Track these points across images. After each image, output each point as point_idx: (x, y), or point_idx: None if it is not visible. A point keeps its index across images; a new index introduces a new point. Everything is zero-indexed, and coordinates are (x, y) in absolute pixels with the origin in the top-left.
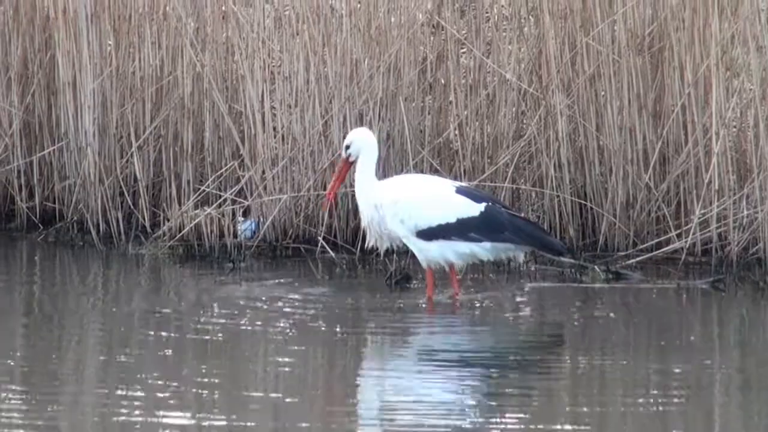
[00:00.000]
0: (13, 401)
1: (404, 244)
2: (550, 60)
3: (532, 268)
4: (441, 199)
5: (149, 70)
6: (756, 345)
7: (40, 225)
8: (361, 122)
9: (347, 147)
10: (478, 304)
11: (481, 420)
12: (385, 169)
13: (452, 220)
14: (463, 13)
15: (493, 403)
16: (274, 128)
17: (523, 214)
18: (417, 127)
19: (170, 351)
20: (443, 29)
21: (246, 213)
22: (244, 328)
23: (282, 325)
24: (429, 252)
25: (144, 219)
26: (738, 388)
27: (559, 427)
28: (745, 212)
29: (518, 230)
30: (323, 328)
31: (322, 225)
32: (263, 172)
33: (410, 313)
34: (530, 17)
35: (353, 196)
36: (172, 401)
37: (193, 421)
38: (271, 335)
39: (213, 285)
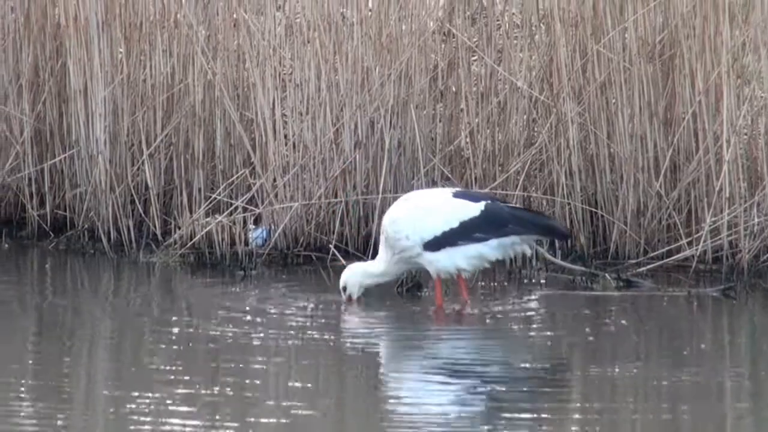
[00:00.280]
0: (23, 409)
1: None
2: (561, 68)
3: (543, 277)
4: (440, 206)
5: (160, 78)
6: (767, 353)
7: (50, 233)
8: (372, 130)
9: (344, 290)
10: (488, 313)
11: (491, 429)
12: (396, 177)
13: (455, 224)
14: (474, 21)
15: (503, 413)
16: (286, 136)
17: (521, 206)
18: (428, 135)
19: (181, 359)
20: (454, 37)
21: (257, 221)
22: (254, 335)
23: (293, 333)
24: (439, 262)
25: (155, 227)
26: (749, 397)
27: None
28: (756, 220)
29: (521, 221)
30: (333, 337)
31: (334, 233)
32: (274, 180)
33: (421, 323)
34: (541, 25)
35: (365, 203)
36: (182, 408)
37: (202, 431)
38: (282, 343)
39: (224, 293)
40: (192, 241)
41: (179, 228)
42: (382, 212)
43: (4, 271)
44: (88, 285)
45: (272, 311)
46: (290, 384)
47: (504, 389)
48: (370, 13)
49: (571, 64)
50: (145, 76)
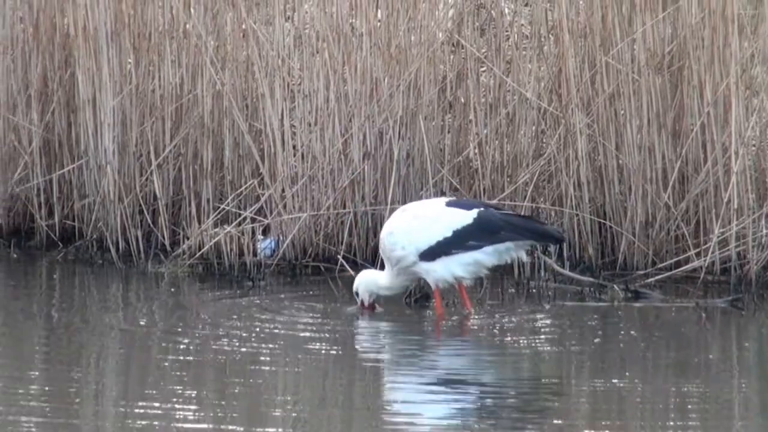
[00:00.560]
0: (32, 419)
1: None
2: (569, 79)
3: (551, 288)
4: (433, 216)
5: (169, 89)
6: None
7: (59, 243)
8: (381, 140)
9: (357, 294)
10: (496, 324)
11: None
12: (404, 188)
13: (449, 233)
14: (483, 32)
15: (508, 425)
16: (294, 146)
17: (514, 212)
18: (437, 146)
19: (189, 369)
20: (463, 48)
21: (265, 231)
22: (262, 346)
23: (300, 344)
24: (436, 272)
25: (163, 237)
26: (757, 408)
27: None
28: (765, 231)
29: (514, 227)
30: (341, 348)
31: (342, 244)
32: (283, 191)
33: (428, 335)
34: (550, 36)
35: (373, 214)
36: (190, 418)
37: None
38: (290, 354)
39: (232, 303)
40: (200, 252)
41: (188, 238)
42: None
43: (12, 281)
44: (97, 295)
45: (280, 322)
46: (297, 395)
47: (509, 401)
48: (379, 24)
49: (580, 76)
50: (153, 87)
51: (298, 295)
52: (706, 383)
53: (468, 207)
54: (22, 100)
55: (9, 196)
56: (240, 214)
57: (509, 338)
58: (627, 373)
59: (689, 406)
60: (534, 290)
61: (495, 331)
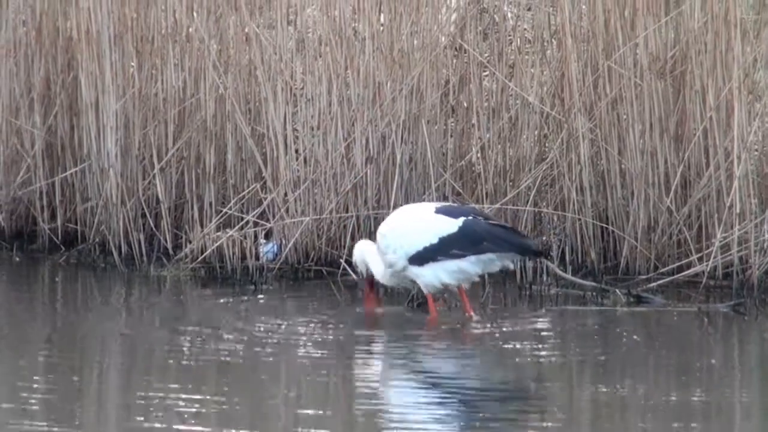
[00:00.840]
0: (34, 423)
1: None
2: (572, 83)
3: (553, 292)
4: (421, 222)
5: (172, 92)
6: None
7: (61, 246)
8: (383, 145)
9: (356, 265)
10: (498, 329)
11: None
12: (407, 192)
13: (435, 240)
14: (485, 36)
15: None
16: (297, 150)
17: (502, 222)
18: (439, 150)
19: (191, 373)
20: (466, 52)
21: (268, 235)
22: (264, 350)
23: (302, 348)
24: (425, 277)
25: (166, 241)
26: (759, 413)
27: None
28: (767, 236)
29: (495, 238)
30: (342, 353)
31: (345, 248)
32: (285, 195)
33: (430, 340)
34: (553, 40)
35: (376, 218)
36: (192, 421)
37: None
38: (291, 358)
39: (234, 307)
40: (203, 255)
41: (190, 242)
42: None
43: (15, 285)
44: (99, 298)
45: (282, 326)
46: (299, 399)
47: (509, 407)
48: (381, 28)
49: (583, 80)
50: (156, 90)
51: (301, 299)
52: (708, 388)
53: (455, 215)
54: (25, 103)
55: (11, 199)
56: (242, 218)
57: (510, 343)
58: (629, 378)
59: (691, 411)
60: (536, 294)
61: (496, 335)
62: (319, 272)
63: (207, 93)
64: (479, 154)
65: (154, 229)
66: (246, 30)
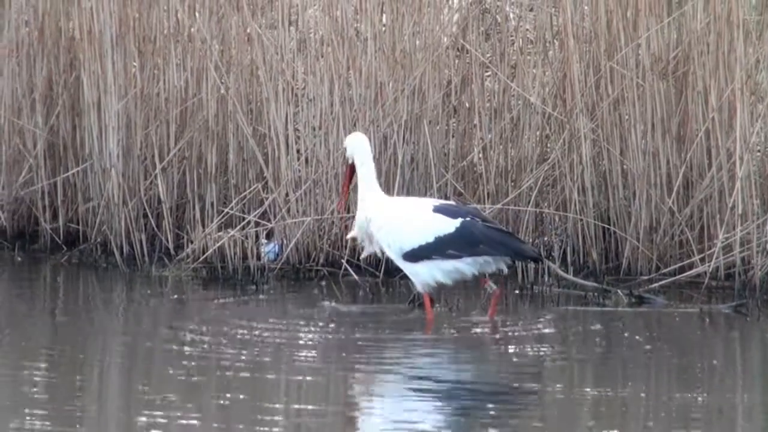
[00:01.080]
0: (35, 423)
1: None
2: (574, 84)
3: (554, 292)
4: (418, 220)
5: (174, 92)
6: None
7: (63, 246)
8: (385, 145)
9: (345, 149)
10: (499, 329)
11: None
12: (409, 192)
13: (431, 239)
14: (487, 37)
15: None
16: (298, 151)
17: (498, 225)
18: (441, 150)
19: (193, 374)
20: (468, 52)
21: (269, 235)
22: (265, 350)
23: (303, 348)
24: (419, 275)
25: (167, 241)
26: (761, 414)
27: None
28: None
29: (492, 241)
30: (343, 353)
31: (346, 248)
32: (287, 195)
33: (431, 340)
34: (555, 41)
35: None
36: (193, 422)
37: None
38: (292, 359)
39: (236, 307)
40: (204, 256)
41: (192, 242)
42: None
43: (16, 284)
44: (101, 299)
45: (283, 326)
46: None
47: (510, 407)
48: (384, 28)
49: (585, 81)
50: (158, 90)
51: (302, 298)
52: (710, 389)
53: (453, 215)
54: (27, 103)
55: (13, 199)
56: (244, 218)
57: (512, 343)
58: (630, 379)
59: (692, 412)
60: (537, 295)
61: (498, 336)
62: (320, 272)
63: (209, 93)
64: (481, 155)
65: (155, 229)
66: (248, 30)
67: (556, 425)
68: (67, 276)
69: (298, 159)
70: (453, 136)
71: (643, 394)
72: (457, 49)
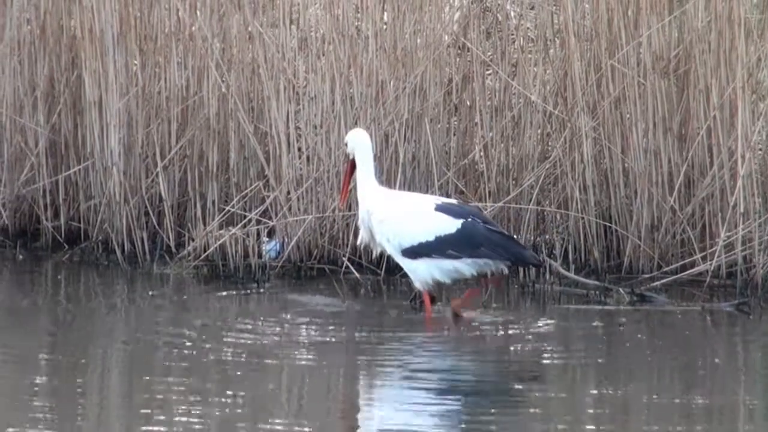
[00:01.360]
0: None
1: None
2: (575, 82)
3: (556, 291)
4: (420, 217)
5: (175, 90)
6: None
7: (65, 244)
8: (386, 143)
9: (346, 145)
10: (500, 327)
11: None
12: (410, 190)
13: (431, 238)
14: (488, 35)
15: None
16: (300, 149)
17: (500, 228)
18: (442, 149)
19: (193, 372)
20: (469, 51)
21: (271, 233)
22: (266, 348)
23: (304, 346)
24: (417, 272)
25: (169, 239)
26: (763, 413)
27: None
28: None
29: (493, 245)
30: (344, 351)
31: (347, 246)
32: (288, 193)
33: (431, 338)
34: (556, 39)
35: None
36: (194, 419)
37: None
38: (293, 356)
39: (237, 305)
40: (206, 254)
41: (193, 240)
42: None
43: (18, 283)
44: (102, 297)
45: (285, 324)
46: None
47: (511, 406)
48: (385, 27)
49: (586, 79)
50: (159, 88)
51: (303, 296)
52: (712, 387)
53: (455, 215)
54: (29, 101)
55: (15, 198)
56: (245, 216)
57: (513, 341)
58: (632, 377)
59: (694, 411)
60: (539, 293)
61: (499, 334)
62: (321, 270)
63: (210, 91)
64: (482, 153)
65: (157, 227)
66: (249, 28)
67: (557, 424)
68: (69, 274)
69: (300, 157)
70: (454, 135)
71: (644, 393)
72: (458, 47)
